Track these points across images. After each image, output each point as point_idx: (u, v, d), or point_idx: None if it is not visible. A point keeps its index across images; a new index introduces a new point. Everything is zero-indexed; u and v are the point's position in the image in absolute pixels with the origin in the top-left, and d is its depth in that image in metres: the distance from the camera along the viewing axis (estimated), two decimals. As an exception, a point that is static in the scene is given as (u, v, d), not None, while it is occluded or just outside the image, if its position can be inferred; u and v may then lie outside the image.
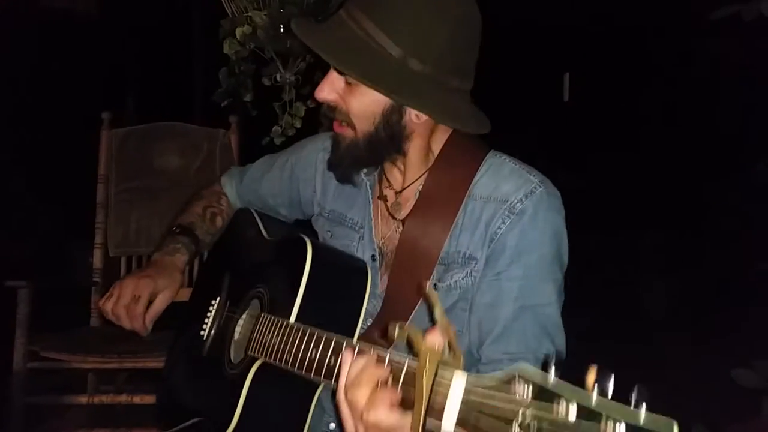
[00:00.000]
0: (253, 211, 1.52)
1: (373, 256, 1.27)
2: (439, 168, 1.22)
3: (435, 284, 1.18)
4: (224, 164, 2.76)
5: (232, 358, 1.28)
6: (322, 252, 1.21)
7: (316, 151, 1.41)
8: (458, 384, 0.75)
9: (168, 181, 2.75)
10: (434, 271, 1.18)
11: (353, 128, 1.18)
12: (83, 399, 2.36)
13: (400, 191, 1.27)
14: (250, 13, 2.71)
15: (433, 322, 0.80)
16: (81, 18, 4.42)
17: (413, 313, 1.18)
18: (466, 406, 0.73)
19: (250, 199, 1.56)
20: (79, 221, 2.89)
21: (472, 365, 1.15)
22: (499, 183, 1.18)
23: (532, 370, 0.67)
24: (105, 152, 2.75)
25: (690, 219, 4.74)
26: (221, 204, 1.58)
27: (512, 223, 1.14)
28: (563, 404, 0.62)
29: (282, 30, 2.71)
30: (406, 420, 0.80)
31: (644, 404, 0.59)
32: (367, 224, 1.29)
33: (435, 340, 0.77)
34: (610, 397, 0.61)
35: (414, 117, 1.17)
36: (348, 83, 1.16)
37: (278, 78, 2.82)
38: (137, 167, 2.76)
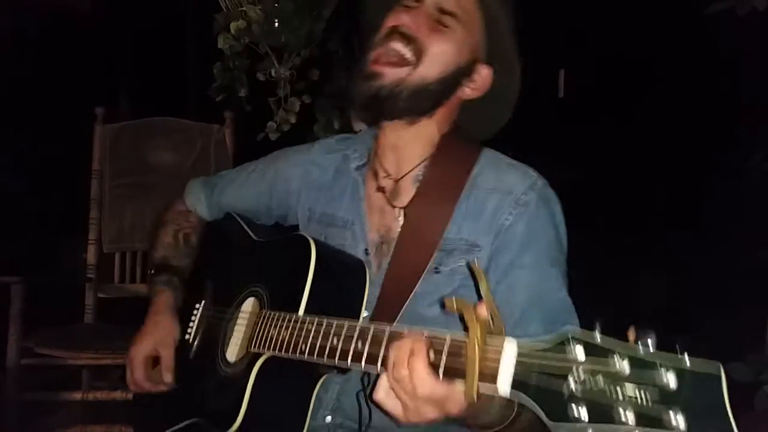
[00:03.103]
0: (236, 216, 1.50)
1: (366, 250, 1.28)
2: (439, 158, 1.26)
3: (437, 268, 1.20)
4: (219, 159, 2.76)
5: (227, 357, 1.27)
6: (323, 249, 1.21)
7: (301, 163, 1.42)
8: (510, 348, 0.78)
9: (162, 176, 2.74)
10: (434, 256, 1.20)
11: (415, 66, 1.20)
12: (78, 395, 2.36)
13: (399, 179, 1.28)
14: (244, 8, 2.70)
15: (479, 296, 0.84)
16: (74, 13, 4.40)
17: (410, 297, 1.19)
18: (521, 367, 0.77)
19: (223, 211, 1.54)
20: (72, 217, 2.88)
21: None
22: (501, 175, 1.24)
23: (581, 332, 0.72)
24: (99, 148, 2.73)
25: (682, 214, 4.76)
26: (190, 221, 1.55)
27: (519, 214, 1.19)
28: (617, 358, 0.68)
29: (277, 25, 2.70)
30: (457, 387, 0.83)
31: (686, 353, 0.65)
32: (358, 221, 1.31)
33: (482, 311, 0.82)
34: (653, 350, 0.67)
35: (468, 90, 1.26)
36: (445, 26, 1.21)
37: (273, 73, 2.81)
38: (131, 163, 2.75)
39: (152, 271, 1.50)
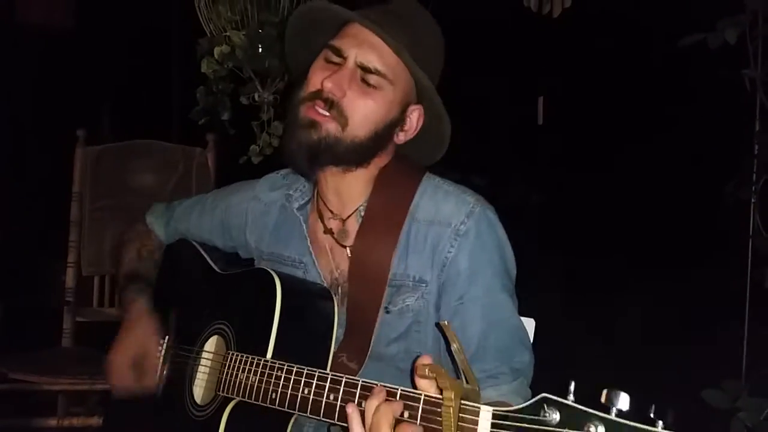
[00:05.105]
0: (195, 244, 1.48)
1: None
2: (379, 190, 1.26)
3: (387, 308, 1.21)
4: (201, 183, 2.76)
5: (197, 399, 1.24)
6: (288, 284, 1.19)
7: (247, 200, 1.43)
8: (485, 415, 0.80)
9: (143, 199, 2.71)
10: (385, 293, 1.21)
11: (344, 127, 1.18)
12: (53, 422, 2.32)
13: (346, 219, 1.29)
14: (228, 33, 2.72)
15: (450, 355, 0.86)
16: (57, 34, 4.39)
17: (373, 337, 1.20)
18: None
19: (180, 238, 1.55)
20: (52, 239, 2.85)
21: None
22: (438, 206, 1.23)
23: (556, 398, 0.74)
24: (79, 170, 2.72)
25: (660, 240, 4.82)
26: (152, 241, 1.56)
27: (460, 245, 1.20)
28: (592, 427, 0.70)
29: (260, 50, 2.73)
30: None
31: (661, 422, 0.67)
32: (308, 258, 1.31)
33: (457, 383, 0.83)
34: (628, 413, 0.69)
35: (402, 135, 1.26)
36: (370, 85, 1.18)
37: (256, 97, 2.83)
38: (112, 185, 2.74)
39: (123, 284, 1.49)
